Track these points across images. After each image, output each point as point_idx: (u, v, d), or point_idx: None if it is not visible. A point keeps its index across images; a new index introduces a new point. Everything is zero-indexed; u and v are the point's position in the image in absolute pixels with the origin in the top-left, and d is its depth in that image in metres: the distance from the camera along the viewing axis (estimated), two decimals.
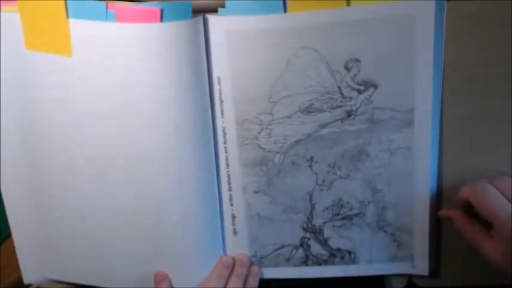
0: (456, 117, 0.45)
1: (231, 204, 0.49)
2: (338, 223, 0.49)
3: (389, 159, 0.47)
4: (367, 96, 0.45)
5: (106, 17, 0.42)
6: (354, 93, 0.45)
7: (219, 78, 0.46)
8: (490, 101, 0.44)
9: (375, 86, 0.45)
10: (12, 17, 0.43)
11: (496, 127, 0.45)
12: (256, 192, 0.48)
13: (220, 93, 0.46)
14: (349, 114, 0.46)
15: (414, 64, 0.44)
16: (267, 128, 0.47)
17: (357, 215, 0.49)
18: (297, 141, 0.47)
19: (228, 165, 0.48)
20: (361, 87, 0.45)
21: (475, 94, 0.44)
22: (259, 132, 0.47)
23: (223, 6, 0.43)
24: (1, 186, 0.50)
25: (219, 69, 0.45)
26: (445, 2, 0.42)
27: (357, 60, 0.44)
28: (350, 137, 0.46)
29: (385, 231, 0.49)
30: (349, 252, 0.50)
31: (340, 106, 0.45)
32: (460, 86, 0.45)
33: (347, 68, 0.44)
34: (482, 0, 0.42)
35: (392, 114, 0.45)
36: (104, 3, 0.41)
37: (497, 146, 0.45)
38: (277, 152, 0.47)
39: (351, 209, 0.49)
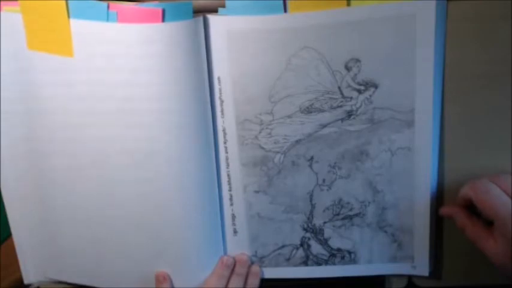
0: (456, 117, 0.45)
1: (231, 204, 0.49)
2: (338, 223, 0.49)
3: (390, 159, 0.47)
4: (367, 96, 0.45)
5: (107, 17, 0.42)
6: (354, 93, 0.45)
7: (219, 78, 0.46)
8: (490, 100, 0.44)
9: (376, 86, 0.45)
10: (13, 16, 0.44)
11: (496, 127, 0.45)
12: (256, 192, 0.48)
13: (220, 93, 0.46)
14: (349, 114, 0.46)
15: (415, 64, 0.44)
16: (267, 128, 0.47)
17: (357, 215, 0.49)
18: (298, 141, 0.47)
19: (228, 165, 0.48)
20: (362, 87, 0.45)
21: (476, 94, 0.44)
22: (260, 132, 0.47)
23: (223, 6, 0.43)
24: (1, 186, 0.50)
25: (219, 69, 0.45)
26: (446, 2, 0.42)
27: (357, 60, 0.44)
28: (350, 137, 0.46)
29: (386, 232, 0.49)
30: (350, 252, 0.50)
31: (341, 106, 0.46)
32: (460, 86, 0.45)
33: (347, 68, 0.44)
34: (482, 0, 0.42)
35: (393, 114, 0.45)
36: (105, 3, 0.41)
37: (497, 146, 0.45)
38: (278, 152, 0.47)
39: (351, 209, 0.49)
